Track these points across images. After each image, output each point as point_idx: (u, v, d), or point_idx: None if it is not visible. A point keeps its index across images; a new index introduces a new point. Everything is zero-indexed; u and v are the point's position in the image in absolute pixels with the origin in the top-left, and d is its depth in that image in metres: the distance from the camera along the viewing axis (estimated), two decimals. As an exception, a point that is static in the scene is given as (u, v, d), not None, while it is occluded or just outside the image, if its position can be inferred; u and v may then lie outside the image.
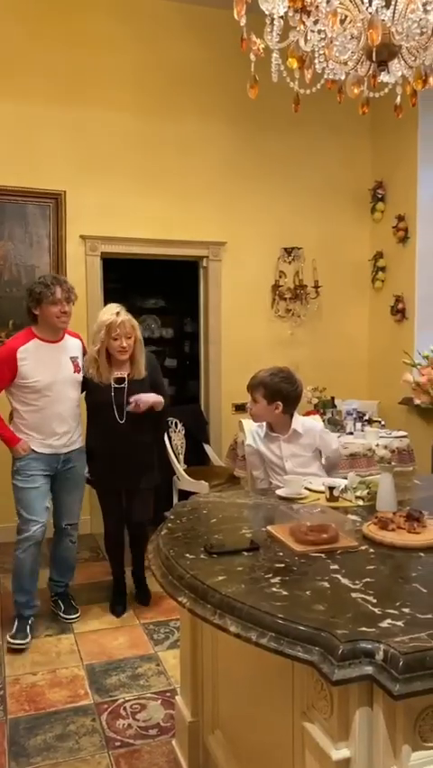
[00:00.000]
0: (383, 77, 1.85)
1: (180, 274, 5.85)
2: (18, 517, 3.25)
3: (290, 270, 5.32)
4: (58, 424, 3.21)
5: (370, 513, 2.17)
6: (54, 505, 3.41)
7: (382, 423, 4.67)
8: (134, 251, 4.97)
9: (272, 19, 1.83)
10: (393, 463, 2.24)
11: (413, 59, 1.79)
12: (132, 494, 3.46)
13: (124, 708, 2.69)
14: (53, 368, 3.18)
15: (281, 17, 1.86)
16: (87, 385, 3.34)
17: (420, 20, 1.56)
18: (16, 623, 3.25)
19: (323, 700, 1.38)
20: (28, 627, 3.24)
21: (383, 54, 1.68)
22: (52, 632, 3.33)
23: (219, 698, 2.16)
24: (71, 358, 3.27)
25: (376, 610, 1.43)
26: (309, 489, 2.44)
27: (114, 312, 3.25)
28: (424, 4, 1.54)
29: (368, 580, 1.61)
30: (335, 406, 4.65)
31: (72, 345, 3.32)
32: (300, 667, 1.50)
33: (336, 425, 4.37)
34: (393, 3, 1.60)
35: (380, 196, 5.43)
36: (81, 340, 3.43)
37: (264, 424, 2.81)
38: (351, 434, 4.30)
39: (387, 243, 5.37)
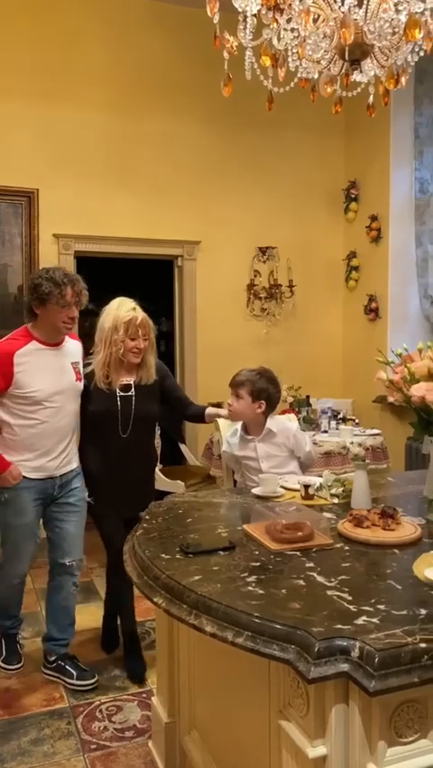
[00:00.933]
0: (356, 77, 1.86)
1: (155, 273, 5.82)
2: (3, 555, 2.82)
3: (265, 270, 5.33)
4: (57, 440, 2.75)
5: (345, 510, 2.18)
6: (52, 538, 2.87)
7: (357, 421, 4.70)
8: (108, 249, 4.94)
9: (246, 17, 1.83)
10: (368, 461, 2.25)
11: (385, 58, 1.80)
12: (133, 522, 2.45)
13: (100, 711, 2.67)
14: (54, 375, 2.71)
15: (255, 15, 1.86)
16: (86, 393, 2.85)
17: (392, 19, 1.58)
18: (4, 645, 2.98)
19: (299, 698, 1.38)
20: (18, 646, 3.02)
21: (356, 53, 1.69)
22: (27, 634, 3.29)
23: (196, 698, 2.15)
24: (72, 364, 2.81)
25: (352, 607, 1.44)
26: (285, 488, 2.44)
27: (131, 307, 2.81)
28: (396, 4, 1.55)
29: (343, 577, 1.61)
30: (310, 405, 4.67)
31: (73, 349, 2.85)
32: (276, 666, 1.51)
33: (311, 423, 4.39)
34: (366, 2, 1.61)
35: (353, 195, 5.47)
36: (80, 342, 3.00)
37: (238, 427, 2.80)
38: (326, 432, 4.33)
39: (360, 243, 5.41)
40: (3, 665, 2.95)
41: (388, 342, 5.12)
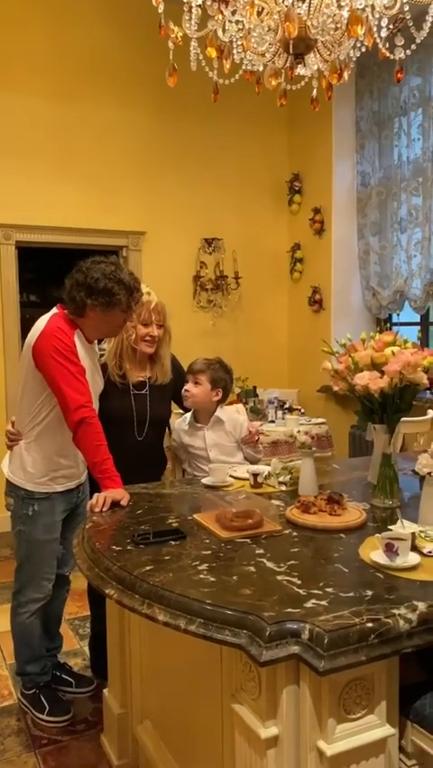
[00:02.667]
0: (300, 70, 1.88)
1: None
2: (22, 576, 2.51)
3: (211, 261, 5.34)
4: None
5: (293, 498, 2.22)
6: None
7: (302, 410, 4.78)
8: (51, 239, 4.85)
9: (190, 7, 1.83)
10: (314, 449, 2.29)
11: (328, 53, 1.83)
12: None
13: (51, 706, 2.64)
14: (92, 376, 2.42)
15: (199, 6, 1.86)
16: (105, 390, 2.59)
17: (334, 15, 1.60)
18: (43, 698, 2.56)
19: (251, 681, 1.41)
20: (60, 694, 2.64)
21: (300, 47, 1.72)
22: None
23: (148, 689, 2.16)
24: (99, 359, 2.58)
25: (301, 591, 1.47)
26: (234, 477, 2.47)
27: (144, 292, 2.54)
28: (338, 0, 1.58)
29: (292, 562, 1.65)
30: (256, 396, 4.73)
31: (96, 343, 2.55)
32: (228, 652, 1.53)
33: (258, 413, 4.44)
34: (309, -3, 1.63)
35: (297, 188, 5.53)
36: None
37: (188, 416, 2.81)
38: (272, 422, 4.39)
39: (304, 235, 5.48)
40: (49, 719, 2.52)
41: (332, 333, 5.22)
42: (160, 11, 1.74)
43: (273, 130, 5.54)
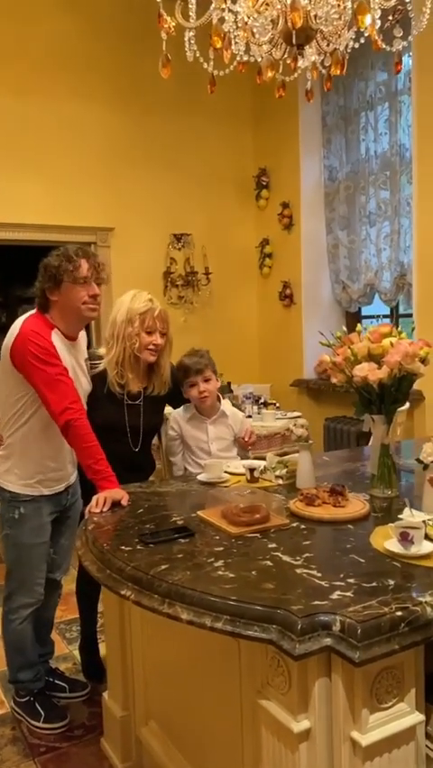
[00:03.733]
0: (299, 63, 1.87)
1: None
2: (12, 582, 2.44)
3: (181, 257, 5.31)
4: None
5: (290, 491, 2.23)
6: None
7: (277, 405, 4.80)
8: (16, 237, 4.72)
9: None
10: (311, 441, 2.30)
11: (326, 44, 1.83)
12: None
13: (46, 712, 2.58)
14: (75, 377, 2.34)
15: (193, -5, 1.83)
16: (93, 396, 2.52)
17: (339, 5, 1.60)
18: (38, 705, 2.49)
19: (280, 677, 1.40)
20: (55, 700, 2.58)
21: (301, 38, 1.71)
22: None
23: (152, 689, 2.13)
24: (85, 361, 2.50)
25: (323, 583, 1.47)
26: (229, 473, 2.45)
27: (147, 298, 2.53)
28: (342, -9, 1.58)
29: (308, 554, 1.65)
30: (231, 391, 4.71)
31: (83, 344, 2.50)
32: (248, 648, 1.52)
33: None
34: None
35: (264, 183, 5.54)
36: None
37: (190, 407, 2.76)
38: (249, 417, 4.38)
39: (273, 230, 5.49)
40: (46, 726, 2.46)
41: (303, 327, 5.26)
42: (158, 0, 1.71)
43: (239, 125, 5.53)
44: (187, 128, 5.26)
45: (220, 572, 1.56)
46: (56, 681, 2.67)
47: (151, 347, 2.53)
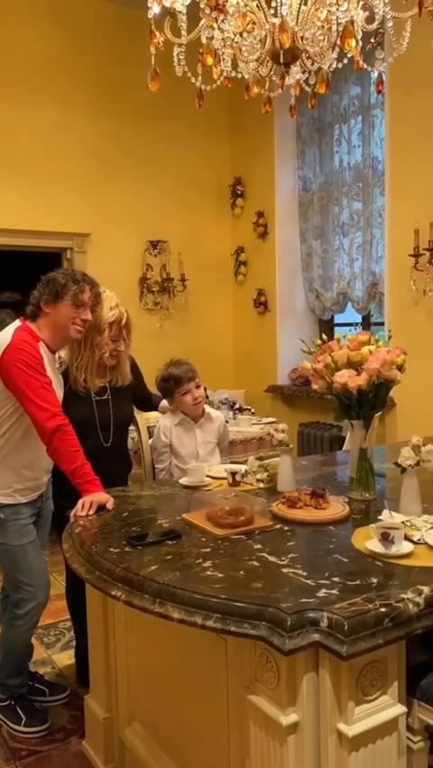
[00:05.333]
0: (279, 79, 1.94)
1: (42, 266, 5.63)
2: (14, 588, 2.44)
3: (157, 263, 5.34)
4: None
5: (271, 494, 2.28)
6: None
7: (252, 410, 4.86)
8: (-8, 241, 4.73)
9: (172, 12, 1.85)
10: (291, 445, 2.36)
11: (311, 62, 1.90)
12: None
13: (26, 717, 2.59)
14: (56, 386, 2.41)
15: (180, 12, 1.88)
16: (65, 399, 2.55)
17: (323, 27, 1.67)
18: (19, 709, 2.50)
19: (269, 672, 1.45)
20: (36, 704, 2.59)
21: (287, 57, 1.78)
22: None
23: (136, 690, 2.16)
24: (57, 369, 2.54)
25: (309, 582, 1.53)
26: (211, 477, 2.50)
27: (114, 304, 2.61)
28: (329, 12, 1.65)
29: (292, 555, 1.70)
30: (207, 397, 4.76)
31: (58, 354, 2.56)
32: (235, 646, 1.57)
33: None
34: (299, 9, 1.69)
35: (239, 192, 5.62)
36: None
37: (177, 414, 2.82)
38: (227, 422, 4.44)
39: (248, 238, 5.57)
40: (27, 730, 2.47)
41: (277, 334, 5.35)
42: (150, 16, 1.76)
43: (216, 134, 5.61)
44: (164, 136, 5.32)
45: (209, 572, 1.60)
46: (36, 685, 2.67)
47: (113, 353, 2.63)
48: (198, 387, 2.79)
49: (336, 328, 5.34)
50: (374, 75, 2.13)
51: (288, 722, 1.39)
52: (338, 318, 5.34)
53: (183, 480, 2.47)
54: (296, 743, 1.40)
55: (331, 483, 2.48)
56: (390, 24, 1.74)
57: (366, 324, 5.00)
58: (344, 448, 3.58)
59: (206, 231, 5.63)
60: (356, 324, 5.13)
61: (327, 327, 5.34)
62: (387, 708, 1.42)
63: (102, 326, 2.56)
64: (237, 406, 4.78)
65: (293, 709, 1.41)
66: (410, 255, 3.97)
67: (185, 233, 5.47)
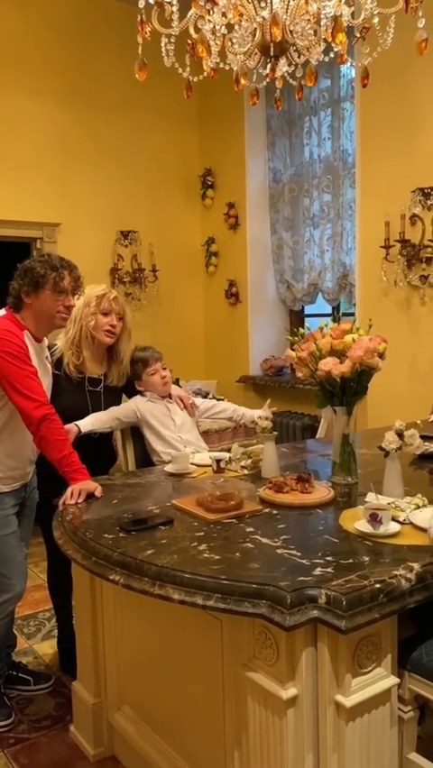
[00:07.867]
0: (266, 71, 1.97)
1: (11, 256, 5.55)
2: None
3: (128, 254, 5.33)
4: (35, 447, 2.41)
5: (255, 480, 2.33)
6: None
7: (225, 400, 4.90)
8: (-40, 230, 4.65)
9: (163, 3, 1.86)
10: (276, 432, 2.41)
11: (298, 56, 1.94)
12: None
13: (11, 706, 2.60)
14: (42, 375, 2.40)
15: (169, 2, 1.90)
16: (54, 382, 2.58)
17: (313, 21, 1.71)
18: None
19: (268, 649, 1.49)
20: (6, 698, 2.57)
21: (276, 50, 1.81)
22: None
23: (125, 674, 2.19)
24: (45, 358, 2.54)
25: (304, 561, 1.58)
26: (195, 464, 2.53)
27: (103, 286, 2.72)
28: (318, 8, 1.68)
29: (285, 537, 1.75)
30: (180, 387, 4.78)
31: (45, 343, 2.55)
32: (232, 625, 1.62)
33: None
34: (288, 3, 1.72)
35: (210, 183, 5.63)
36: None
37: (146, 395, 2.84)
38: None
39: (219, 229, 5.59)
40: None
41: (248, 325, 5.39)
42: (141, 5, 1.76)
43: (186, 124, 5.60)
44: (134, 126, 5.29)
45: (206, 555, 1.64)
46: (20, 675, 2.68)
47: (107, 328, 2.63)
48: (164, 368, 2.85)
49: (306, 319, 5.41)
50: (345, 68, 2.18)
51: (288, 696, 1.44)
52: (309, 309, 5.41)
53: (168, 468, 2.49)
54: (295, 716, 1.46)
55: (315, 468, 2.55)
56: (375, 21, 1.79)
57: (336, 314, 5.08)
58: (317, 436, 3.65)
59: (176, 221, 5.63)
60: (325, 315, 5.21)
61: (297, 318, 5.40)
62: (381, 679, 1.48)
63: (90, 300, 2.62)
64: (210, 396, 4.82)
65: (292, 683, 1.46)
66: (381, 246, 4.05)
67: (156, 224, 5.46)
